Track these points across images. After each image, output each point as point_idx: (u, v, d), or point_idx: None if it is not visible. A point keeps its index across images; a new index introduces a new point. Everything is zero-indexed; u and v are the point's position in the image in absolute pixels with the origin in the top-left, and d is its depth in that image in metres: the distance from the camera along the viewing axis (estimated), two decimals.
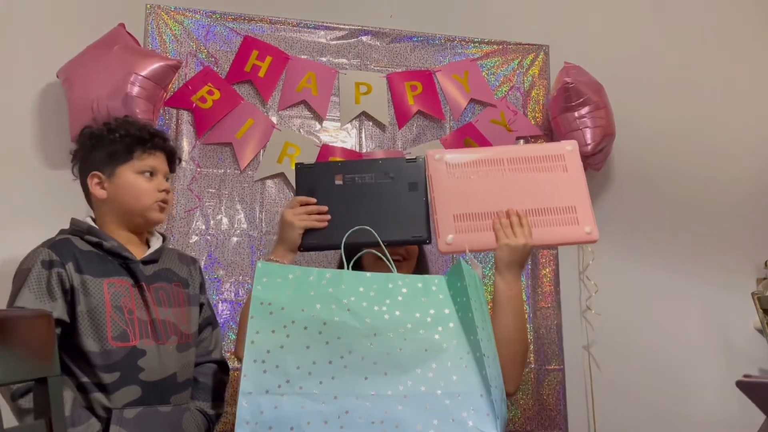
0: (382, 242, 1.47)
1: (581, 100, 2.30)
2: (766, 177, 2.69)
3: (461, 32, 2.48)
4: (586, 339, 2.40)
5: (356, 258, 1.43)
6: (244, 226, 2.17)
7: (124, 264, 1.49)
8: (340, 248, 1.45)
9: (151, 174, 1.54)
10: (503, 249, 1.50)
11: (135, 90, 1.94)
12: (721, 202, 2.64)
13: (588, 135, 2.29)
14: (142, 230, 1.58)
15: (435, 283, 1.27)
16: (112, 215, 1.54)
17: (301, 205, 1.56)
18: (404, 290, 1.25)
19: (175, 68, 2.04)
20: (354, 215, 1.54)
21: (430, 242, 1.55)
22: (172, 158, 1.63)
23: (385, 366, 1.14)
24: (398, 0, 2.49)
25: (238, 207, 2.18)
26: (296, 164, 1.62)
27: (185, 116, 2.18)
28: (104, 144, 1.53)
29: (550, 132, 2.47)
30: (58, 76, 2.06)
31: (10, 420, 1.41)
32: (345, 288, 1.22)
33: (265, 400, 1.10)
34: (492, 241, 1.53)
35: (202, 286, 1.68)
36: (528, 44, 2.53)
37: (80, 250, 1.46)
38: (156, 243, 1.61)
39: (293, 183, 2.20)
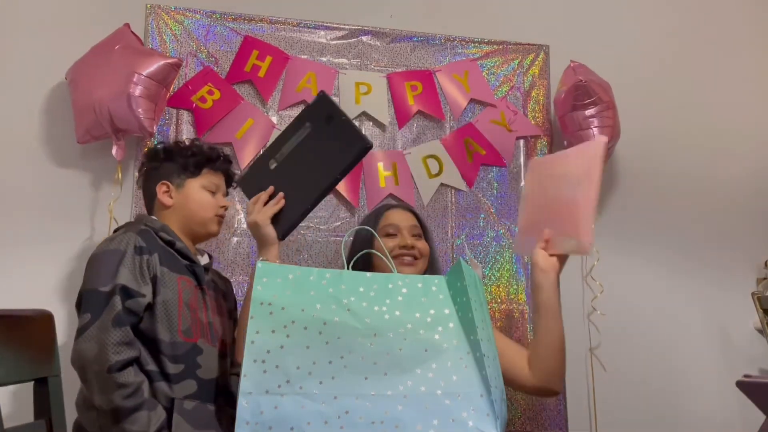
0: (336, 178, 1.55)
1: (592, 99, 2.29)
2: (767, 177, 2.69)
3: (461, 32, 2.48)
4: (589, 340, 2.40)
5: (362, 259, 1.44)
6: (244, 226, 2.17)
7: (189, 266, 1.59)
8: (309, 212, 1.56)
9: (215, 192, 1.69)
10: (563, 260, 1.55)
11: (137, 90, 1.94)
12: (722, 202, 2.63)
13: (597, 135, 2.28)
14: (199, 240, 1.71)
15: (435, 283, 1.27)
16: (175, 222, 1.65)
17: (255, 205, 1.61)
18: (404, 290, 1.25)
19: (176, 66, 2.03)
20: (302, 176, 1.58)
21: (370, 146, 1.57)
22: (230, 180, 1.77)
23: (385, 366, 1.14)
24: (398, 0, 2.49)
25: (238, 207, 2.18)
26: (235, 182, 1.73)
27: (185, 116, 2.18)
28: (176, 158, 1.68)
29: (551, 131, 2.48)
30: (66, 78, 2.06)
31: (10, 420, 1.41)
32: (345, 288, 1.22)
33: (265, 400, 1.10)
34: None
35: (235, 302, 1.80)
36: (528, 44, 2.53)
37: (159, 244, 1.56)
38: (203, 259, 1.70)
39: None
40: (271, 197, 1.59)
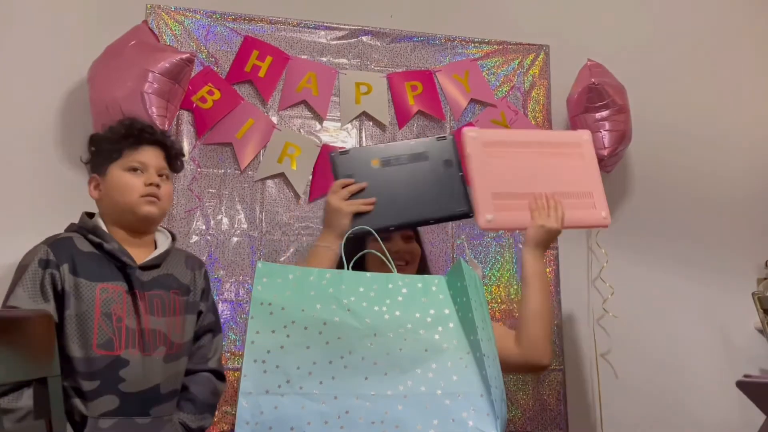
0: (427, 220, 1.54)
1: (605, 102, 2.29)
2: (767, 178, 2.69)
3: (461, 32, 2.48)
4: (595, 344, 2.40)
5: (359, 259, 1.43)
6: (245, 226, 2.17)
7: (122, 268, 1.48)
8: (387, 231, 1.53)
9: (141, 170, 1.52)
10: (538, 229, 1.56)
11: (150, 87, 1.91)
12: (722, 203, 2.64)
13: (606, 139, 2.28)
14: (139, 228, 1.55)
15: (435, 284, 1.26)
16: (108, 215, 1.53)
17: (343, 188, 1.54)
18: (404, 290, 1.24)
19: (189, 62, 1.99)
20: (395, 197, 1.55)
21: (472, 216, 1.57)
22: (168, 152, 1.59)
23: (385, 366, 1.14)
24: (398, 0, 2.49)
25: (239, 207, 2.18)
26: (330, 154, 1.61)
27: (185, 116, 2.18)
28: (101, 147, 1.55)
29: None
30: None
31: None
32: (345, 288, 1.22)
33: (265, 400, 1.10)
34: (527, 220, 1.58)
35: (204, 292, 1.64)
36: (528, 44, 2.52)
37: (80, 250, 1.46)
38: (164, 243, 1.58)
39: (293, 183, 2.21)
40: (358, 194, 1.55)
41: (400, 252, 1.67)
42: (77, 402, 1.38)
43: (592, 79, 2.30)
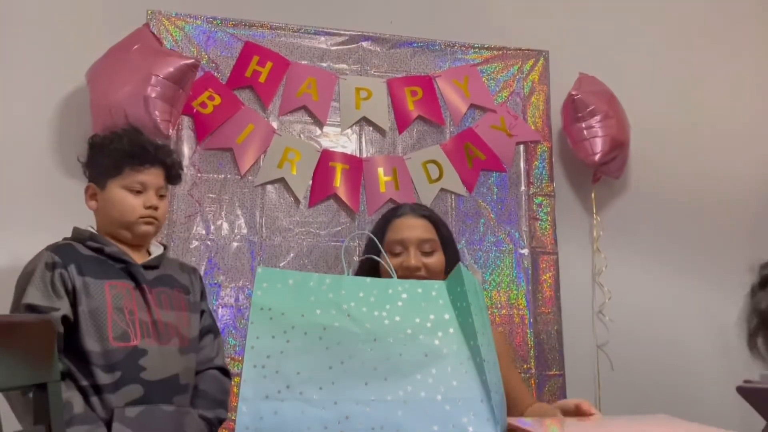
0: None
1: (588, 110, 2.33)
2: (766, 179, 2.70)
3: (461, 38, 2.49)
4: (595, 337, 2.41)
5: (369, 266, 1.44)
6: (245, 231, 2.17)
7: (125, 268, 1.52)
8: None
9: (141, 190, 1.54)
10: None
11: (153, 92, 1.91)
12: (723, 205, 2.64)
13: (598, 144, 2.31)
14: (134, 242, 1.58)
15: (435, 288, 1.26)
16: (104, 226, 1.57)
17: None
18: (404, 295, 1.24)
19: (194, 67, 1.99)
20: None
21: None
22: (169, 171, 1.60)
23: (385, 371, 1.14)
24: (398, 6, 2.50)
25: (239, 212, 2.18)
26: None
27: (186, 121, 2.18)
28: (100, 156, 1.56)
29: (551, 137, 2.48)
30: (86, 78, 2.04)
31: (10, 422, 1.41)
32: (345, 293, 1.22)
33: (264, 406, 1.10)
34: None
35: (202, 294, 1.69)
36: (528, 50, 2.53)
37: (82, 254, 1.49)
38: (157, 251, 1.63)
39: (293, 188, 2.21)
40: None
41: (411, 268, 1.56)
42: (95, 400, 1.40)
43: (572, 92, 2.35)
